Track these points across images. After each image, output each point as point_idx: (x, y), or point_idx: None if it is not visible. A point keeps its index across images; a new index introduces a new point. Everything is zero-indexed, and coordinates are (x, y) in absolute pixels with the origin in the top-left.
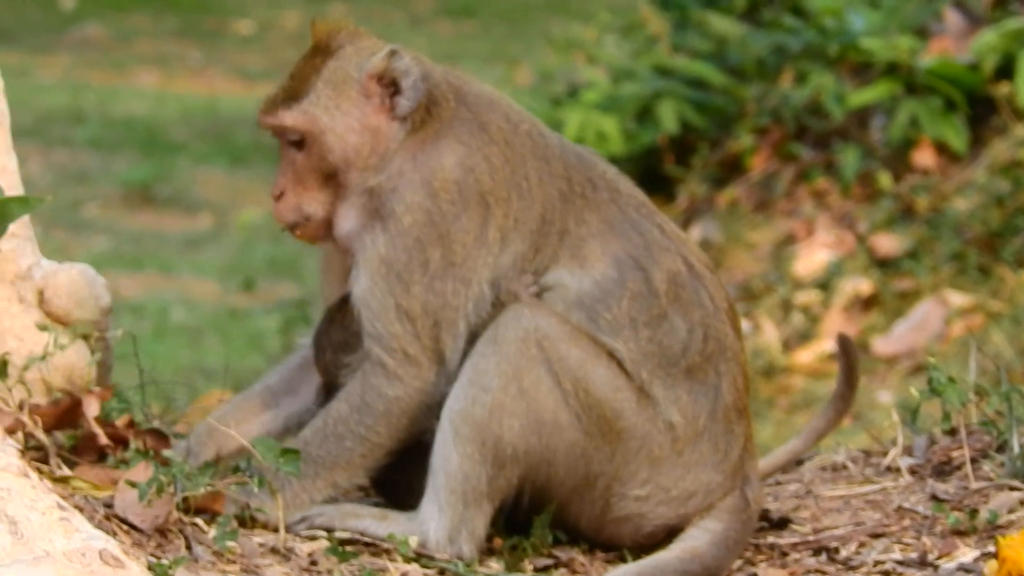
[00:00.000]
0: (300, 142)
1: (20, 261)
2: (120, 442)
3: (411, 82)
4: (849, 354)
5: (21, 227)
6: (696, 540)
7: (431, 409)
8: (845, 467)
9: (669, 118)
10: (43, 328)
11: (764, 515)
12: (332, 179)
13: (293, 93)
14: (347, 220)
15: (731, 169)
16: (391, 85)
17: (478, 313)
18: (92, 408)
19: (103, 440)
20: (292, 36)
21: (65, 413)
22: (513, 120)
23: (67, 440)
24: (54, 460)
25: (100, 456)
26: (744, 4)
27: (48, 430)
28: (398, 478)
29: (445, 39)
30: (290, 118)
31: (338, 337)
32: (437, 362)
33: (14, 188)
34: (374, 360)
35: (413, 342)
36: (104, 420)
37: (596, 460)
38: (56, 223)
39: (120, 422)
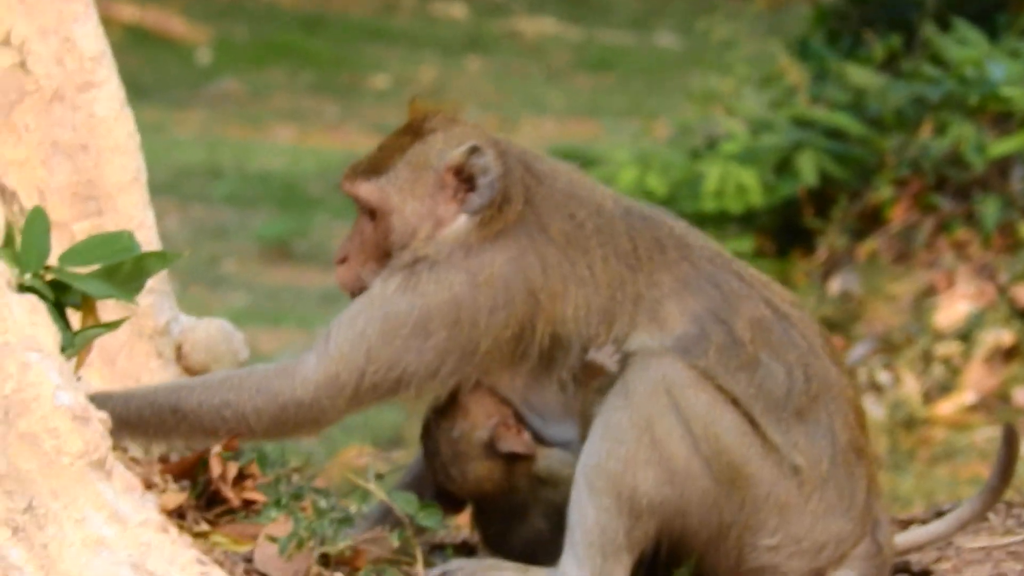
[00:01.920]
0: (373, 213)
1: (158, 316)
2: (246, 502)
3: (488, 181)
4: (1012, 446)
5: (159, 282)
6: None
7: (319, 434)
8: (986, 519)
9: (808, 170)
10: None
11: (905, 567)
12: (390, 256)
13: (375, 167)
14: None
15: (871, 221)
16: (467, 180)
17: (537, 401)
18: (216, 467)
19: (234, 502)
20: (428, 91)
21: (191, 467)
22: (579, 219)
23: (193, 496)
24: (192, 515)
25: (229, 511)
26: (883, 54)
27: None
28: (513, 542)
29: (583, 93)
30: (365, 190)
31: (446, 449)
32: (356, 408)
33: (151, 243)
34: (312, 351)
35: (353, 375)
36: (227, 475)
37: (727, 509)
38: (194, 279)
39: (241, 479)
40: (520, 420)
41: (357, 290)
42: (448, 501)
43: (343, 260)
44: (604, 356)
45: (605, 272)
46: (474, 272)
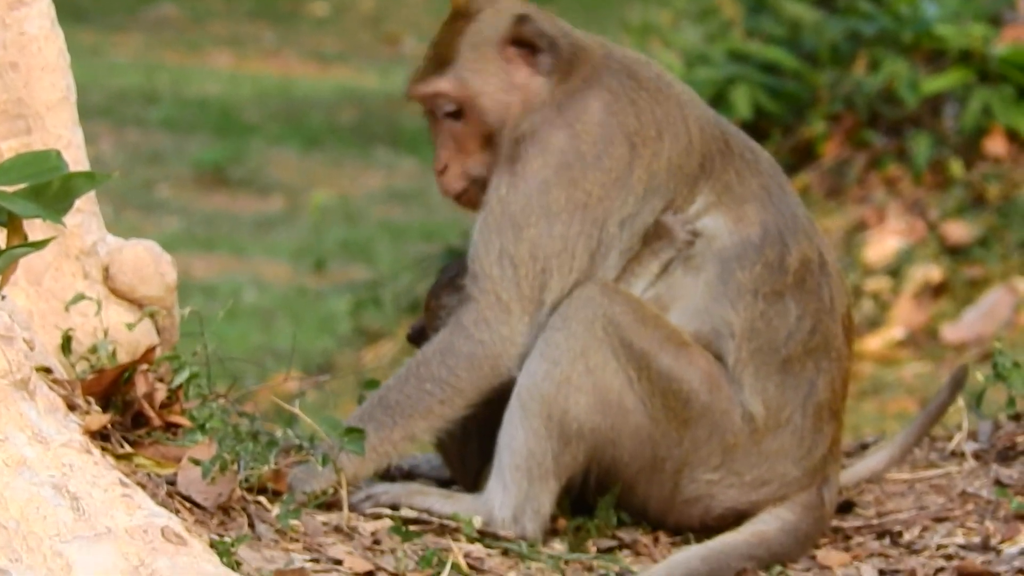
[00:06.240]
0: (457, 112)
1: (85, 237)
2: (170, 424)
3: (546, 42)
4: (957, 388)
5: (86, 203)
6: (766, 525)
7: (517, 361)
8: (911, 453)
9: (743, 103)
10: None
11: None
12: (491, 140)
13: (440, 61)
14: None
15: (803, 155)
16: (526, 45)
17: (610, 253)
18: (141, 386)
19: (156, 423)
20: (367, 19)
21: (111, 385)
22: (667, 79)
23: (116, 414)
24: (115, 437)
25: (152, 432)
26: None
27: (99, 402)
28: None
29: None
30: (444, 84)
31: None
32: (531, 312)
33: (79, 163)
34: (467, 300)
35: (509, 288)
36: (153, 396)
37: (663, 444)
38: (128, 203)
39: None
40: None
41: (467, 188)
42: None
43: (444, 169)
44: (677, 224)
45: (700, 140)
46: (571, 122)
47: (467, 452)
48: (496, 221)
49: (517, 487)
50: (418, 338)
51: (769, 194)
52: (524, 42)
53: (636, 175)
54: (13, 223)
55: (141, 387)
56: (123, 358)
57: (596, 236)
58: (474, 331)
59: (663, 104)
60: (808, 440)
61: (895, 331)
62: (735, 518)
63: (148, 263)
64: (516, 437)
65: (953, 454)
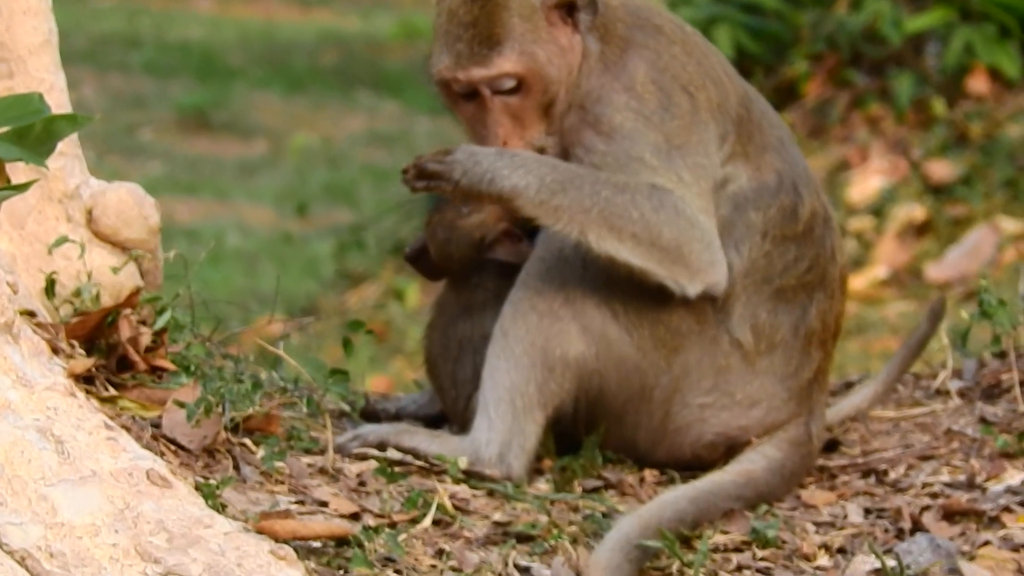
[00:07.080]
0: (514, 87)
1: (68, 180)
2: (154, 366)
3: (585, 2)
4: (936, 321)
5: (69, 146)
6: (753, 464)
7: (720, 275)
8: (895, 390)
9: (725, 44)
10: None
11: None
12: (549, 108)
13: (490, 39)
14: (554, 147)
15: (786, 95)
16: (565, 7)
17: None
18: (125, 329)
19: (140, 365)
20: None
21: (95, 328)
22: (679, 24)
23: (100, 357)
24: (100, 380)
25: (137, 375)
26: None
27: (83, 345)
28: (452, 337)
29: None
30: (507, 64)
31: (450, 218)
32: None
33: (62, 106)
34: (653, 184)
35: (687, 198)
36: (137, 340)
37: (651, 373)
38: (111, 148)
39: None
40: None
41: None
42: (430, 268)
43: (503, 147)
44: None
45: (731, 85)
46: (628, 86)
47: (458, 377)
48: (615, 161)
49: (502, 421)
50: (416, 258)
51: (784, 145)
52: (563, 3)
53: (702, 116)
54: None
55: (125, 331)
56: (107, 301)
57: (708, 164)
58: (685, 207)
59: (694, 54)
60: (796, 360)
61: (878, 270)
62: (725, 447)
63: (131, 206)
64: (498, 368)
65: (938, 392)
